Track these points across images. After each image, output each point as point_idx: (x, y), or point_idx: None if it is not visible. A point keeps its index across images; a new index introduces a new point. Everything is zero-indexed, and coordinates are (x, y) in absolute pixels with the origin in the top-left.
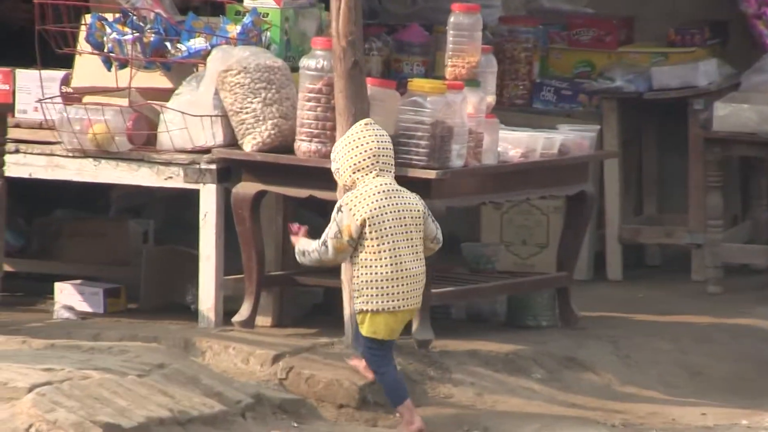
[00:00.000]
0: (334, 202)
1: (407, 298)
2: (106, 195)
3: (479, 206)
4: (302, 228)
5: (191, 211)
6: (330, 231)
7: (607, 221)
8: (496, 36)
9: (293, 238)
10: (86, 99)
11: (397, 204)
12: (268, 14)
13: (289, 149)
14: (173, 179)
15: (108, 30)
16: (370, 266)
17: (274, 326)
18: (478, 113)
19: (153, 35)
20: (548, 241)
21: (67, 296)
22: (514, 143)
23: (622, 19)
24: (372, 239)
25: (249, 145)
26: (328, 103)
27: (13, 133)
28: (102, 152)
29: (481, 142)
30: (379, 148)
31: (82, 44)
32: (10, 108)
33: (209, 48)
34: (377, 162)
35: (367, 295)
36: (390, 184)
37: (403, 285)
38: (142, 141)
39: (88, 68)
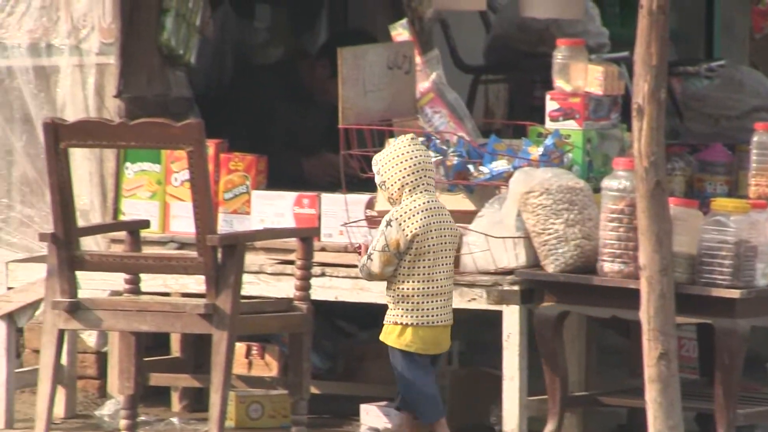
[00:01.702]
0: (638, 323)
1: (441, 314)
2: None
3: None
4: (362, 246)
5: (493, 332)
6: (377, 244)
7: None
8: None
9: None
10: None
11: (440, 223)
12: (570, 136)
13: (591, 269)
14: (476, 301)
15: None
16: (407, 281)
17: None
18: None
19: (456, 158)
20: None
21: (372, 418)
22: None
23: None
24: (413, 255)
25: (552, 265)
26: (630, 223)
27: (318, 256)
28: None
29: None
30: (425, 162)
31: None
32: (316, 232)
33: (511, 170)
34: (424, 177)
35: (403, 309)
36: (434, 201)
37: (437, 301)
38: None
39: None
